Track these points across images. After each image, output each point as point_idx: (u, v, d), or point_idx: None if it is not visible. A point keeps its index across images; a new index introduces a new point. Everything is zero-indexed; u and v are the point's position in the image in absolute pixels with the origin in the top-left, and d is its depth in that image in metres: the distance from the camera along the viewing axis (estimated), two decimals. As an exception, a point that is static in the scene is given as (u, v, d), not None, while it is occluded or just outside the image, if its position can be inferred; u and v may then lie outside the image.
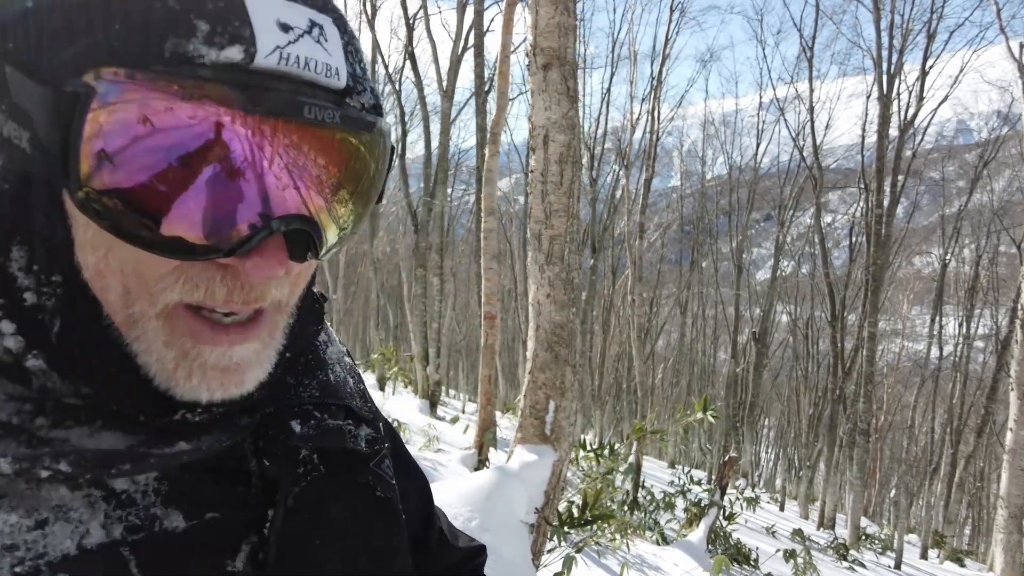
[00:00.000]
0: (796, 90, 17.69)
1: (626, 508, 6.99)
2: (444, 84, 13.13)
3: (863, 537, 11.99)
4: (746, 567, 6.79)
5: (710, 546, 6.60)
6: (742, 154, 23.98)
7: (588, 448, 4.76)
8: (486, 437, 5.71)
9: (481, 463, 5.71)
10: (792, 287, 25.58)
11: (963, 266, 21.13)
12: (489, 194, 5.77)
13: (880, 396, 26.70)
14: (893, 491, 34.37)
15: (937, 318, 17.93)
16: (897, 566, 11.18)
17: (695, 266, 25.95)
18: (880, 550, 11.96)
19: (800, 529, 11.03)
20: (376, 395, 11.86)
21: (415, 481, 0.80)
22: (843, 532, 12.56)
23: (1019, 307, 7.55)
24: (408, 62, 15.23)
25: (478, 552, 0.86)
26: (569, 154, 3.78)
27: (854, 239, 18.87)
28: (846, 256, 20.95)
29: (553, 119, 3.76)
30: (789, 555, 6.49)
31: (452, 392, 34.07)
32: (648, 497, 8.02)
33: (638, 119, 16.75)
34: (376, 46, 16.83)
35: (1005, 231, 18.35)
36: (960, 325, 20.68)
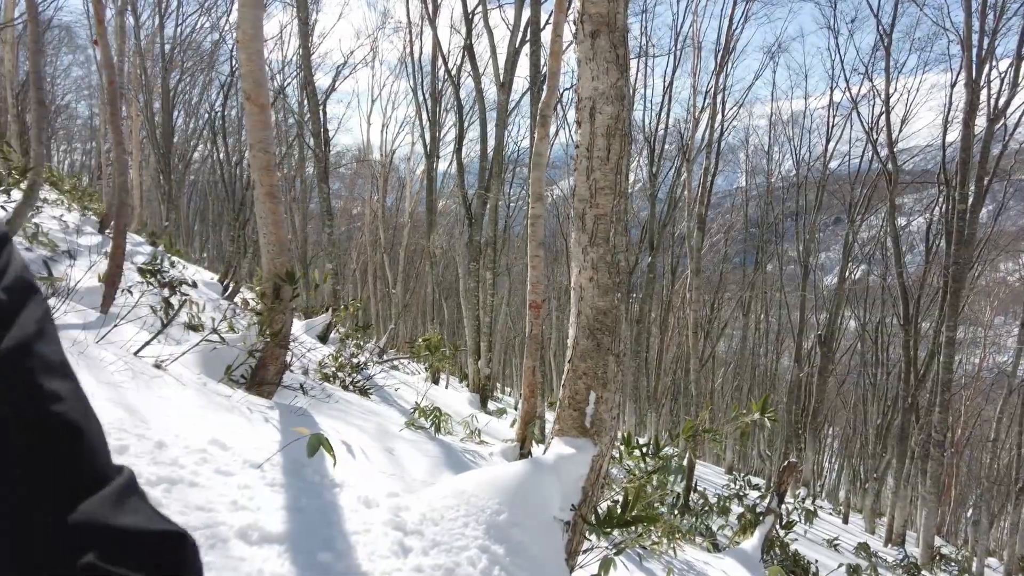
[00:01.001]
0: (871, 81, 16.72)
1: (676, 511, 6.67)
2: (501, 76, 13.00)
3: (937, 557, 11.19)
4: (804, 581, 6.37)
5: (765, 556, 6.22)
6: (811, 151, 22.92)
7: (634, 445, 4.50)
8: (529, 430, 5.52)
9: (523, 456, 5.52)
10: (861, 291, 24.32)
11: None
12: (537, 179, 5.56)
13: (957, 409, 25.12)
14: (971, 510, 32.35)
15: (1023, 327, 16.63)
16: (974, 590, 10.38)
17: (759, 267, 25.02)
18: (956, 572, 11.14)
19: (866, 544, 10.39)
20: (431, 390, 11.85)
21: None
22: (913, 550, 11.76)
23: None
24: (467, 56, 15.20)
25: (161, 540, 0.52)
26: (617, 127, 3.53)
27: (931, 241, 17.72)
28: (920, 261, 19.74)
29: (601, 89, 3.52)
30: (853, 571, 6.03)
31: (507, 389, 34.10)
32: (701, 501, 7.67)
33: (701, 112, 16.17)
34: (437, 43, 16.87)
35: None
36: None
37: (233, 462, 2.66)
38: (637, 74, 18.70)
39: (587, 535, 3.42)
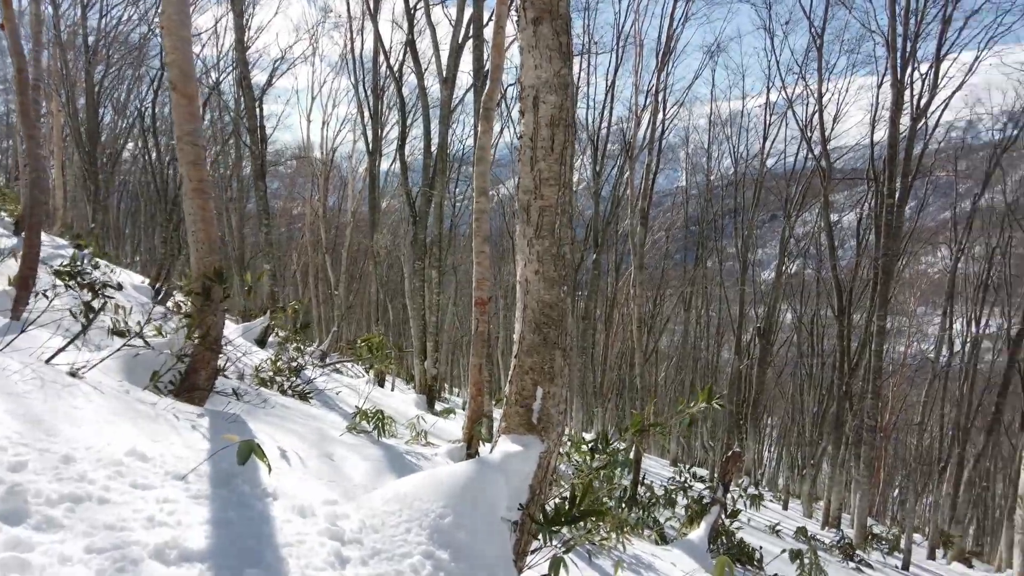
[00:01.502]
0: (805, 81, 17.31)
1: (623, 505, 6.68)
2: (444, 72, 12.82)
3: (869, 536, 11.66)
4: (750, 568, 6.48)
5: (712, 545, 6.29)
6: (748, 150, 23.58)
7: (582, 441, 4.46)
8: (476, 429, 5.41)
9: (470, 456, 5.41)
10: (797, 285, 25.20)
11: (971, 264, 20.74)
12: (482, 173, 5.45)
13: (885, 395, 26.33)
14: (896, 491, 34.01)
15: (948, 315, 17.54)
16: (905, 567, 10.85)
17: (700, 263, 25.62)
18: (887, 550, 11.63)
19: (804, 528, 10.70)
20: (374, 392, 11.59)
21: None
22: (848, 531, 12.22)
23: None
24: (409, 52, 14.95)
25: None
26: (561, 117, 3.46)
27: (861, 235, 18.49)
28: (852, 254, 20.58)
29: (544, 78, 3.45)
30: (795, 555, 6.17)
31: (455, 389, 33.84)
32: (648, 494, 7.72)
33: (643, 110, 16.38)
34: (378, 39, 16.54)
35: (1020, 226, 17.96)
36: (968, 324, 20.30)
37: (153, 474, 2.45)
38: (580, 72, 18.80)
39: (536, 534, 3.34)
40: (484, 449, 5.81)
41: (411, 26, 14.76)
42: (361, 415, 5.38)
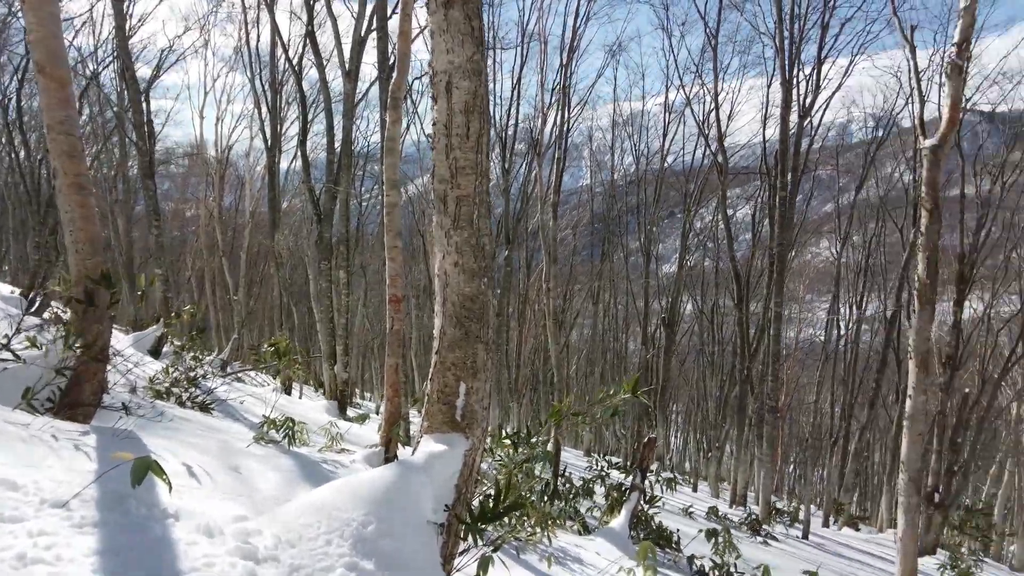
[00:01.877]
0: (702, 80, 18.11)
1: (546, 498, 6.68)
2: (347, 65, 12.39)
3: (773, 511, 12.34)
4: (669, 551, 6.65)
5: (633, 531, 6.41)
6: (649, 147, 24.41)
7: (505, 436, 4.38)
8: (394, 432, 5.22)
9: (389, 460, 5.21)
10: (697, 276, 26.33)
11: (851, 254, 22.41)
12: (391, 165, 5.26)
13: (781, 377, 28.03)
14: (792, 466, 36.41)
15: (835, 300, 18.90)
16: (805, 536, 11.55)
17: (606, 258, 26.29)
18: (789, 522, 12.35)
19: (715, 508, 11.18)
20: (281, 399, 11.05)
21: None
22: (754, 508, 12.88)
23: (916, 279, 7.80)
24: (309, 44, 14.37)
25: None
26: (476, 103, 3.36)
27: (756, 227, 19.57)
28: (747, 247, 21.72)
29: (456, 63, 3.33)
30: (711, 535, 6.40)
31: (367, 394, 33.00)
32: (567, 485, 7.77)
33: (549, 108, 16.56)
34: (275, 30, 15.81)
35: (891, 218, 19.59)
36: (851, 307, 21.96)
37: (26, 504, 2.14)
38: (486, 69, 18.76)
39: (463, 535, 3.23)
40: (403, 452, 5.62)
41: (310, 17, 14.19)
42: (269, 424, 5.06)
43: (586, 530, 6.12)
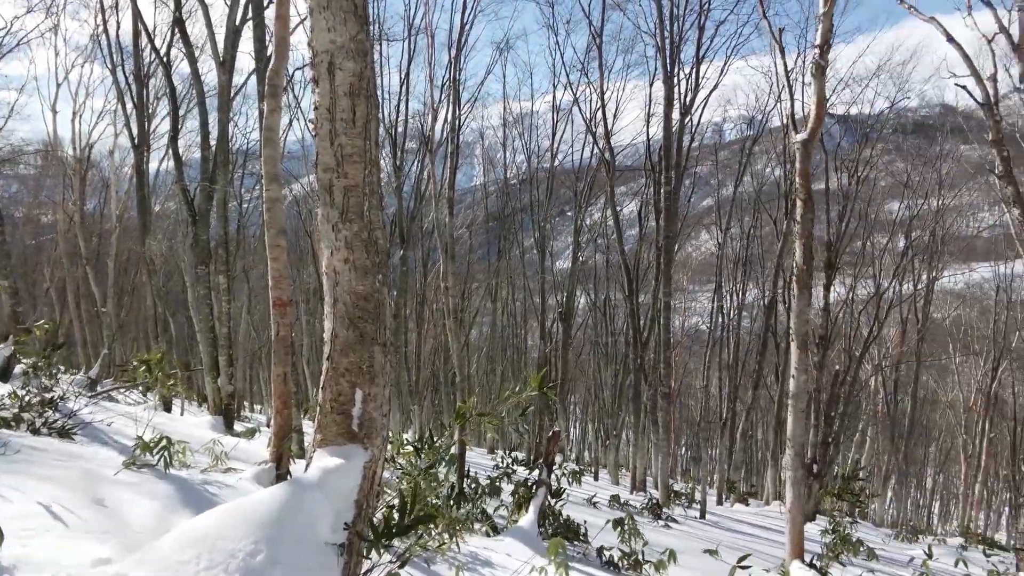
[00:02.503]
0: (588, 78, 18.52)
1: (452, 502, 6.49)
2: (221, 55, 11.54)
3: (672, 495, 12.81)
4: (578, 543, 6.65)
5: (541, 528, 6.35)
6: (539, 146, 24.73)
7: (405, 442, 4.16)
8: (285, 446, 4.84)
9: (281, 477, 4.83)
10: (589, 271, 26.99)
11: (731, 246, 23.83)
12: (271, 156, 4.86)
13: (671, 364, 29.34)
14: (683, 448, 38.33)
15: (718, 288, 19.97)
16: (702, 516, 12.08)
17: (502, 255, 26.41)
18: (687, 504, 12.86)
19: (617, 495, 11.43)
20: (159, 418, 10.16)
21: None
22: (654, 492, 13.32)
23: (794, 266, 8.29)
24: (178, 32, 13.28)
25: None
26: (362, 86, 3.11)
27: (643, 221, 20.32)
28: (634, 241, 22.51)
29: (339, 42, 3.07)
30: (617, 524, 6.46)
31: (257, 407, 31.23)
32: (474, 486, 7.61)
33: (439, 104, 16.33)
34: (138, 15, 14.51)
35: (765, 211, 21.00)
36: (732, 296, 23.35)
37: None
38: (372, 51, 18.23)
39: (366, 554, 2.99)
40: (296, 467, 5.24)
41: (178, 4, 13.12)
42: (142, 446, 4.54)
43: (495, 531, 5.99)
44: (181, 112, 16.81)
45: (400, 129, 18.13)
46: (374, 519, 3.04)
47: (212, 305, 12.77)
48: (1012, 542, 22.98)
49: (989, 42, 12.19)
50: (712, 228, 26.30)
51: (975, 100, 11.65)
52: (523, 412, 3.83)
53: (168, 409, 13.65)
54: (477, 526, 6.12)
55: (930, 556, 7.03)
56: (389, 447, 4.64)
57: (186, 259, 14.15)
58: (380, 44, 17.37)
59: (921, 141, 25.04)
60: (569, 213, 25.83)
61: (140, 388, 7.97)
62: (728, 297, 23.11)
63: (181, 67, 19.78)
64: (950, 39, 11.69)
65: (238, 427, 12.21)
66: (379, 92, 18.59)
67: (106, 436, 6.20)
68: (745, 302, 22.81)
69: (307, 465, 2.96)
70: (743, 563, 5.14)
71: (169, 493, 3.93)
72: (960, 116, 25.16)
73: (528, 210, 24.13)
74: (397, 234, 17.56)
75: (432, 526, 4.59)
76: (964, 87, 11.88)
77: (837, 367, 15.34)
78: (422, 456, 3.97)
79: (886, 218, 23.87)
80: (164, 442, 4.53)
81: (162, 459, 4.40)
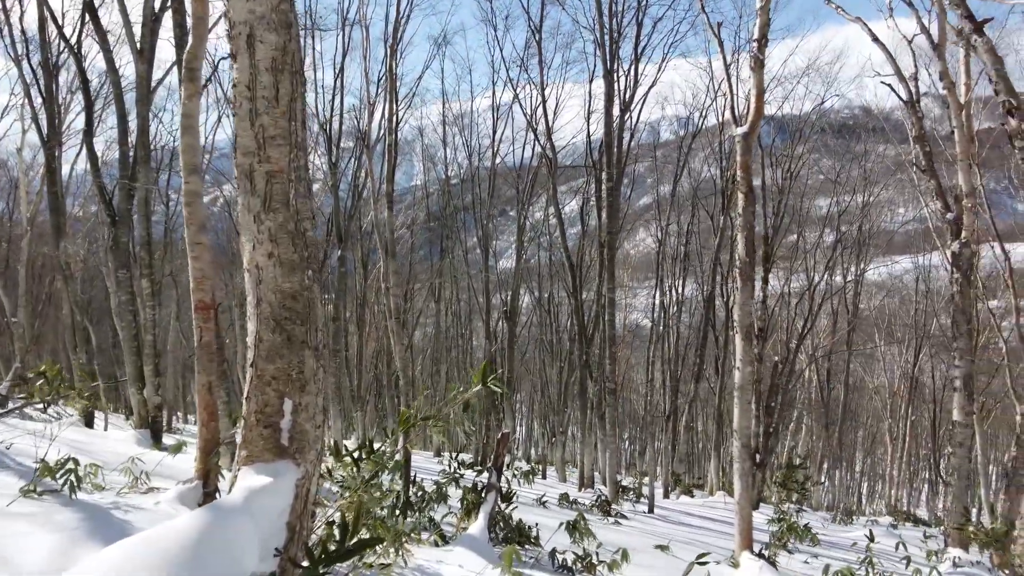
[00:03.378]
0: (528, 74, 18.40)
1: (398, 512, 6.18)
2: (139, 43, 10.79)
3: (620, 490, 12.80)
4: (530, 547, 6.45)
5: (492, 534, 6.12)
6: (480, 143, 24.45)
7: (345, 452, 3.84)
8: (213, 462, 4.44)
9: (209, 496, 4.42)
10: (533, 269, 26.91)
11: (670, 242, 24.20)
12: (190, 146, 4.44)
13: (616, 359, 29.63)
14: (626, 443, 38.84)
15: (659, 284, 20.20)
16: (651, 510, 12.10)
17: (445, 254, 26.04)
18: (635, 499, 12.87)
19: (567, 494, 11.31)
20: (78, 435, 9.42)
21: None
22: (603, 488, 13.28)
23: (736, 258, 8.33)
24: (89, 19, 12.37)
25: None
26: (286, 61, 2.79)
27: (585, 218, 20.37)
28: (576, 239, 22.53)
29: (259, 12, 2.74)
30: (572, 526, 6.29)
31: (191, 417, 29.78)
32: (421, 493, 7.30)
33: (376, 98, 15.84)
34: (43, 1, 13.45)
35: (703, 207, 21.40)
36: (671, 291, 23.70)
37: None
38: (305, 56, 17.61)
39: (301, 582, 2.69)
40: (226, 484, 4.83)
41: (88, -12, 12.21)
42: (43, 469, 4.06)
43: (444, 540, 5.72)
44: (98, 106, 15.78)
45: (336, 125, 17.52)
46: (309, 542, 2.74)
47: (136, 312, 11.97)
48: (936, 516, 24.28)
49: (909, 43, 12.72)
50: (651, 225, 26.67)
51: (899, 97, 12.10)
52: (466, 408, 3.58)
53: (90, 424, 12.75)
54: (424, 536, 5.83)
55: (872, 539, 7.17)
56: (330, 458, 4.30)
57: (108, 265, 13.25)
58: (313, 38, 16.75)
59: (844, 141, 26.07)
60: (512, 213, 25.68)
61: (42, 403, 7.31)
62: (669, 292, 23.45)
63: (99, 59, 18.60)
64: (875, 39, 12.10)
65: (169, 440, 11.48)
66: (313, 87, 18.01)
67: (7, 459, 5.60)
68: (684, 297, 23.20)
69: (231, 485, 2.63)
70: (702, 559, 5.05)
71: (74, 523, 3.49)
72: (879, 117, 26.52)
73: (470, 209, 23.82)
74: (334, 233, 16.97)
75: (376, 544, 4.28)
76: (889, 85, 12.32)
77: (776, 358, 15.74)
78: (362, 466, 3.67)
79: (816, 214, 24.78)
80: (70, 464, 4.06)
81: (67, 484, 3.94)
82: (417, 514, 6.38)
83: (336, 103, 18.01)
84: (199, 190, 4.48)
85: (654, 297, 20.88)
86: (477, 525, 5.73)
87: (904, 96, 11.83)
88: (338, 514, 3.89)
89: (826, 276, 22.60)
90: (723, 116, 19.99)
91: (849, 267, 24.06)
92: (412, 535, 5.53)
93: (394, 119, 16.56)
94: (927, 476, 38.05)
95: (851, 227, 22.92)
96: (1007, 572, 6.85)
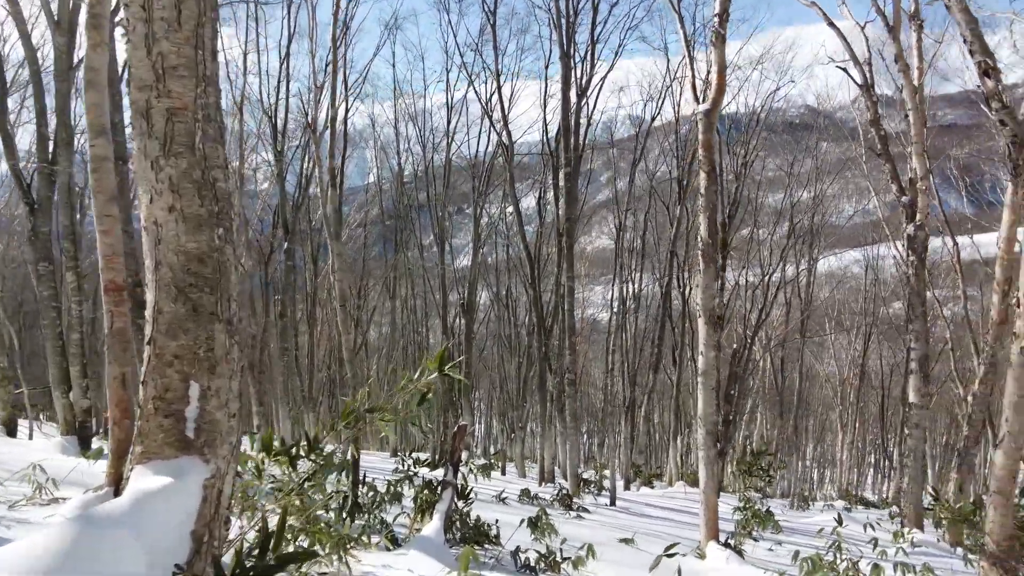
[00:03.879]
0: (483, 60, 17.94)
1: (344, 515, 5.70)
2: (55, 14, 9.92)
3: (581, 483, 12.52)
4: (490, 546, 6.05)
5: (449, 535, 5.69)
6: (434, 134, 23.85)
7: (279, 448, 3.36)
8: (125, 466, 3.88)
9: (122, 503, 3.86)
10: (491, 264, 26.46)
11: (627, 235, 24.13)
12: (95, 104, 3.87)
13: (576, 351, 29.52)
14: (585, 436, 38.88)
15: (616, 275, 20.08)
16: (612, 503, 11.85)
17: (399, 248, 25.42)
18: (596, 492, 12.61)
19: (527, 489, 10.95)
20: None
21: None
22: (563, 482, 12.99)
23: (699, 240, 8.09)
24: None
25: None
26: (185, -28, 2.31)
27: (543, 208, 20.07)
28: (534, 232, 22.19)
29: (148, -91, 2.25)
30: (533, 523, 5.92)
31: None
32: (371, 494, 6.82)
33: (324, 83, 15.17)
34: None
35: (658, 198, 21.37)
36: (629, 282, 23.65)
37: None
38: (247, 42, 16.82)
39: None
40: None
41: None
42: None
43: (395, 543, 5.26)
44: (7, 80, 14.57)
45: (281, 113, 16.74)
46: (223, 555, 2.28)
47: (61, 308, 11.09)
48: (884, 499, 24.93)
49: (862, 28, 12.82)
50: (607, 221, 26.60)
51: (854, 81, 12.13)
52: (423, 399, 3.16)
53: (12, 433, 11.81)
54: (375, 539, 5.36)
55: (840, 523, 7.03)
56: (262, 455, 3.81)
57: (24, 254, 12.27)
58: (256, 22, 15.97)
59: (790, 139, 26.57)
60: (468, 211, 25.22)
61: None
62: (626, 284, 23.37)
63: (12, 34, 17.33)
64: (830, 23, 12.11)
65: (99, 445, 10.66)
66: (259, 72, 17.22)
67: None
68: (641, 291, 23.20)
69: (116, 488, 2.15)
70: (670, 552, 4.73)
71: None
72: (822, 116, 27.22)
73: (426, 202, 23.22)
74: (281, 224, 16.23)
75: (318, 548, 3.81)
76: (844, 69, 12.34)
77: (735, 346, 15.75)
78: (296, 466, 3.21)
79: (769, 209, 25.26)
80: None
81: (-55, 495, 3.34)
82: (366, 516, 5.91)
83: (282, 90, 17.22)
84: (107, 154, 3.91)
85: (612, 286, 20.72)
86: (432, 526, 5.30)
87: (859, 80, 11.86)
88: (273, 519, 3.41)
89: (780, 267, 22.92)
90: (679, 107, 20.01)
91: (802, 258, 24.47)
92: (360, 539, 5.06)
93: (346, 102, 15.92)
94: (872, 460, 39.37)
95: (803, 216, 23.31)
96: (975, 549, 6.76)
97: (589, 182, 23.52)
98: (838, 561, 6.59)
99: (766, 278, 22.11)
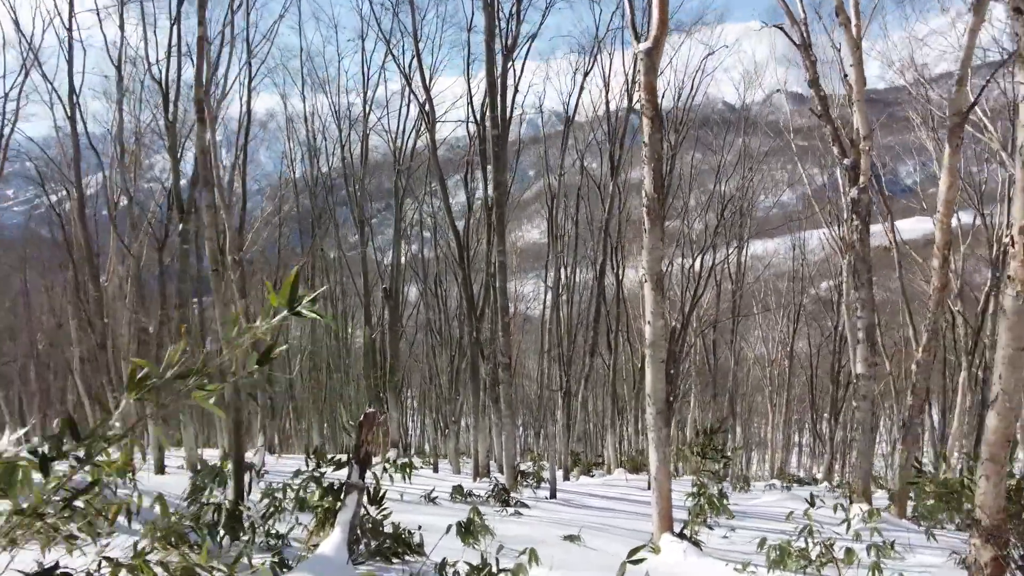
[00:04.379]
0: (400, 21, 16.68)
1: (220, 531, 4.44)
2: None
3: (519, 476, 11.54)
4: (411, 557, 4.92)
5: (356, 548, 4.52)
6: (351, 111, 22.20)
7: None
8: None
9: None
10: (419, 261, 25.11)
11: (560, 222, 23.47)
12: None
13: (510, 332, 28.64)
14: (520, 428, 38.15)
15: (549, 264, 19.36)
16: (553, 495, 10.92)
17: (316, 234, 23.76)
18: (535, 484, 11.67)
19: (460, 486, 9.89)
20: None
21: None
22: (499, 476, 11.95)
23: (643, 195, 7.17)
24: None
25: None
26: None
27: (469, 187, 19.00)
28: (463, 208, 21.08)
29: None
30: (464, 529, 4.83)
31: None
32: (266, 502, 5.55)
33: (222, 49, 13.54)
34: None
35: (590, 178, 20.77)
36: (559, 271, 22.98)
37: None
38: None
39: None
40: None
41: None
42: None
43: (283, 566, 4.06)
44: None
45: (174, 78, 14.82)
46: None
47: None
48: (814, 476, 25.29)
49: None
50: (536, 217, 25.82)
51: (792, 41, 11.61)
52: (267, 355, 2.00)
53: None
54: (258, 560, 4.12)
55: (812, 504, 6.33)
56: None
57: None
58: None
59: (707, 133, 26.76)
60: (388, 214, 23.88)
61: None
62: (561, 272, 22.70)
63: None
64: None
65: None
66: (147, 32, 15.29)
67: None
68: (576, 278, 22.59)
69: None
70: (636, 558, 3.75)
71: None
72: (736, 113, 27.70)
73: (344, 182, 21.60)
74: (175, 206, 14.41)
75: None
76: (781, 28, 11.82)
77: (675, 324, 15.20)
78: (48, 471, 1.98)
79: (698, 200, 25.49)
80: None
81: None
82: (251, 532, 4.66)
83: (174, 56, 15.28)
84: None
85: (546, 268, 19.90)
86: (331, 540, 4.11)
87: (797, 40, 11.34)
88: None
89: (711, 250, 22.89)
90: (610, 69, 19.29)
91: (731, 242, 24.54)
92: (238, 563, 3.82)
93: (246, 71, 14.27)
94: (798, 440, 40.52)
95: (734, 199, 23.35)
96: (967, 523, 6.10)
97: (514, 179, 22.64)
98: (809, 546, 5.85)
99: (700, 255, 22.05)
